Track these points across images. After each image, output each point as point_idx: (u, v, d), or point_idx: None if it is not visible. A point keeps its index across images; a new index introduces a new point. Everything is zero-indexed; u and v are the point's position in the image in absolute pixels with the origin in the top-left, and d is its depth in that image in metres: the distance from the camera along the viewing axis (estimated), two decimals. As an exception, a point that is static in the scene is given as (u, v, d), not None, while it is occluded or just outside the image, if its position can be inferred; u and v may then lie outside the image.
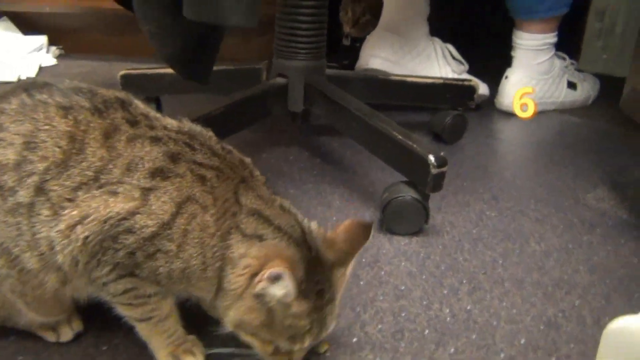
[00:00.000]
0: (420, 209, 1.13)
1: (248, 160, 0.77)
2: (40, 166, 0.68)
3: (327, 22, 1.41)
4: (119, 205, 0.66)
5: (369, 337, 0.86)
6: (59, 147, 0.69)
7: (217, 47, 1.09)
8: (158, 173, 0.68)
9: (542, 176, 1.50)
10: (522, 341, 0.87)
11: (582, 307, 0.95)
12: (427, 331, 0.88)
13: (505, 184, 1.43)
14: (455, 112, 1.66)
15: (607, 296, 0.99)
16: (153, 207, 0.66)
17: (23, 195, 0.68)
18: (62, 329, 0.82)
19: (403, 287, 0.99)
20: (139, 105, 0.76)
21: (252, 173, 0.75)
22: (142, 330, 0.76)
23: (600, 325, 0.90)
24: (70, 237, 0.67)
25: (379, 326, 0.89)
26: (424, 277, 1.02)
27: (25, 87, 0.74)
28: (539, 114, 1.99)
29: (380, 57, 1.75)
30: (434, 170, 1.08)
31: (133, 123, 0.72)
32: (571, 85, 2.05)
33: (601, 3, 2.46)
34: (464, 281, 1.01)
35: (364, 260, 1.06)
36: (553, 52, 1.95)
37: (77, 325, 0.83)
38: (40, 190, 0.68)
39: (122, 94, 0.76)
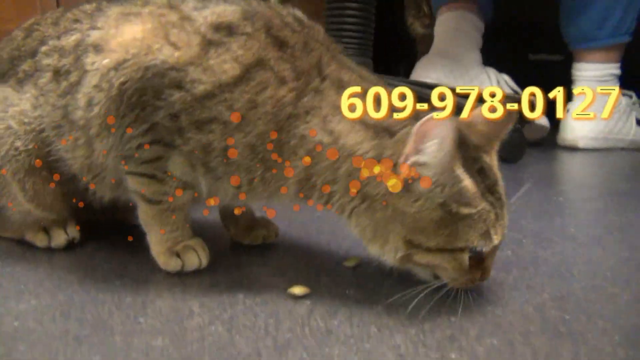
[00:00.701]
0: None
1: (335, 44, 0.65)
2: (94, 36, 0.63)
3: (374, 19, 1.38)
4: (167, 51, 0.58)
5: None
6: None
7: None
8: (224, 28, 0.59)
9: (612, 183, 1.33)
10: (608, 274, 0.69)
11: None
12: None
13: (573, 184, 1.27)
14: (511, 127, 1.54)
15: None
16: (211, 62, 0.57)
17: (75, 74, 0.62)
18: (54, 231, 0.72)
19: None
20: None
21: (337, 50, 0.64)
22: (146, 214, 0.65)
23: None
24: (104, 87, 0.59)
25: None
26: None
27: None
28: (607, 151, 1.83)
29: (432, 77, 1.69)
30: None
31: None
32: (641, 124, 1.91)
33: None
34: (528, 235, 0.84)
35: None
36: (617, 85, 1.84)
37: (73, 231, 0.72)
38: (79, 46, 0.63)
39: None
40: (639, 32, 1.80)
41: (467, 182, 0.54)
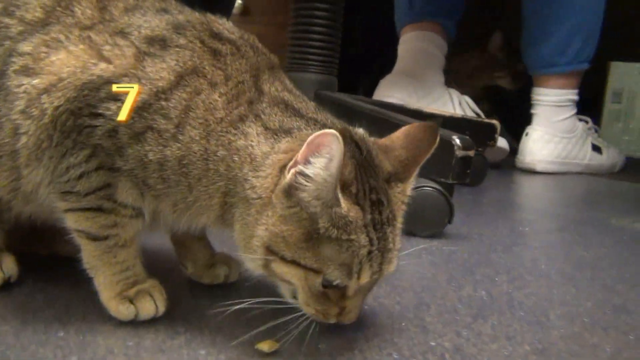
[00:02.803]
0: (444, 204, 0.96)
1: (275, 57, 0.62)
2: (14, 30, 0.57)
3: (340, 37, 1.35)
4: (103, 66, 0.53)
5: (384, 307, 0.66)
6: (42, 7, 0.58)
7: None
8: (157, 41, 0.55)
9: (574, 211, 1.33)
10: (586, 320, 0.67)
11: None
12: (459, 305, 0.68)
13: (536, 212, 1.27)
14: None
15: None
16: (147, 70, 0.53)
17: None
18: (-12, 269, 0.64)
19: (425, 272, 0.80)
20: None
21: (279, 67, 0.61)
22: (91, 255, 0.58)
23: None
24: (33, 114, 0.53)
25: (397, 299, 0.69)
26: (450, 265, 0.84)
27: None
28: (564, 174, 1.85)
29: (395, 97, 1.67)
30: (459, 153, 0.93)
31: None
32: (596, 149, 1.94)
33: (618, 84, 2.44)
34: (500, 272, 0.82)
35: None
36: (575, 111, 1.87)
37: (10, 268, 0.64)
38: (6, 63, 0.56)
39: None
40: (595, 59, 1.84)
41: (348, 208, 0.49)
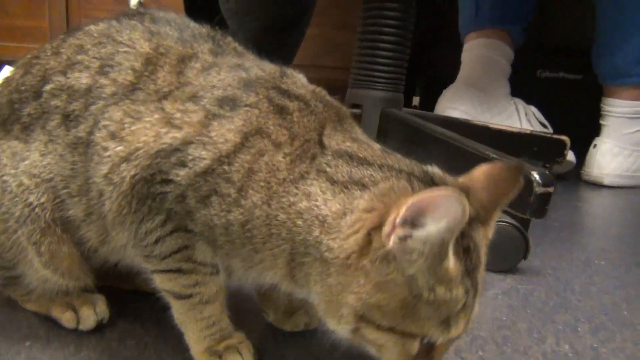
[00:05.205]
0: (519, 238, 0.94)
1: (345, 108, 0.61)
2: (108, 90, 0.59)
3: (408, 53, 1.32)
4: (172, 134, 0.54)
5: (466, 363, 0.66)
6: (132, 69, 0.59)
7: (295, 44, 1.01)
8: (228, 101, 0.55)
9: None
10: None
11: None
12: (544, 364, 0.67)
13: (610, 240, 1.22)
14: (542, 168, 1.48)
15: None
16: (212, 134, 0.53)
17: (82, 128, 0.59)
18: (83, 312, 0.66)
19: (504, 318, 0.78)
20: (233, 42, 0.65)
21: (347, 117, 0.60)
22: (179, 312, 0.60)
23: None
24: (114, 181, 0.55)
25: (479, 353, 0.68)
26: (528, 311, 0.82)
27: (116, 16, 0.66)
28: (632, 188, 1.78)
29: (459, 109, 1.63)
30: (538, 190, 0.90)
31: (217, 53, 0.61)
32: (668, 162, 1.85)
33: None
34: (582, 319, 0.80)
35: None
36: (646, 121, 1.79)
37: (102, 311, 0.67)
38: (97, 122, 0.58)
39: (216, 32, 0.66)
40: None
41: (452, 262, 0.46)
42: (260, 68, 0.60)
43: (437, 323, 0.48)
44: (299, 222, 0.51)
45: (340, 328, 0.52)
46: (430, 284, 0.47)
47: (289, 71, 0.61)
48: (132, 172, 0.54)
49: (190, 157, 0.53)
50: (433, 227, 0.44)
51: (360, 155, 0.54)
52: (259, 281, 0.57)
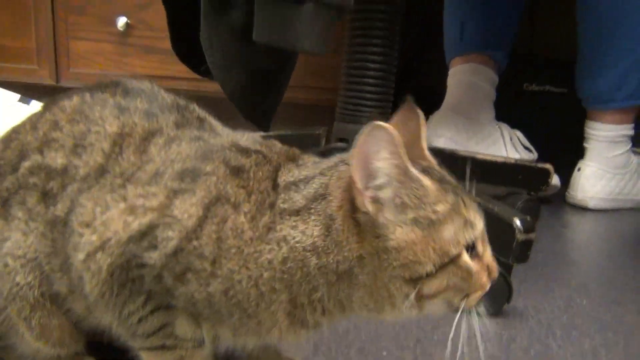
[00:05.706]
0: (502, 283, 0.96)
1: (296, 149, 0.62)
2: (82, 172, 0.59)
3: (393, 85, 1.34)
4: (138, 221, 0.55)
5: None
6: (102, 150, 0.60)
7: (281, 90, 1.02)
8: (188, 173, 0.56)
9: (632, 268, 1.30)
10: None
11: None
12: None
13: (592, 273, 1.25)
14: (527, 196, 1.51)
15: None
16: (175, 213, 0.54)
17: (60, 208, 0.59)
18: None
19: (486, 371, 0.80)
20: (198, 109, 0.66)
21: (299, 155, 0.60)
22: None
23: None
24: (92, 269, 0.56)
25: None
26: (511, 361, 0.83)
27: (90, 86, 0.66)
28: (616, 211, 1.81)
29: (445, 136, 1.66)
30: (520, 236, 0.93)
31: (180, 125, 0.62)
32: (651, 183, 1.88)
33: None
34: (562, 370, 0.82)
35: (435, 337, 0.88)
36: (630, 145, 1.82)
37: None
38: (73, 205, 0.58)
39: (182, 99, 0.67)
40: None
41: (425, 180, 0.51)
42: (218, 136, 0.61)
43: (461, 229, 0.52)
44: (291, 265, 0.52)
45: (404, 308, 0.53)
46: (429, 210, 0.50)
47: (247, 133, 0.63)
48: (109, 261, 0.55)
49: (159, 239, 0.54)
50: (382, 164, 0.49)
51: (302, 176, 0.55)
52: (255, 343, 0.60)
